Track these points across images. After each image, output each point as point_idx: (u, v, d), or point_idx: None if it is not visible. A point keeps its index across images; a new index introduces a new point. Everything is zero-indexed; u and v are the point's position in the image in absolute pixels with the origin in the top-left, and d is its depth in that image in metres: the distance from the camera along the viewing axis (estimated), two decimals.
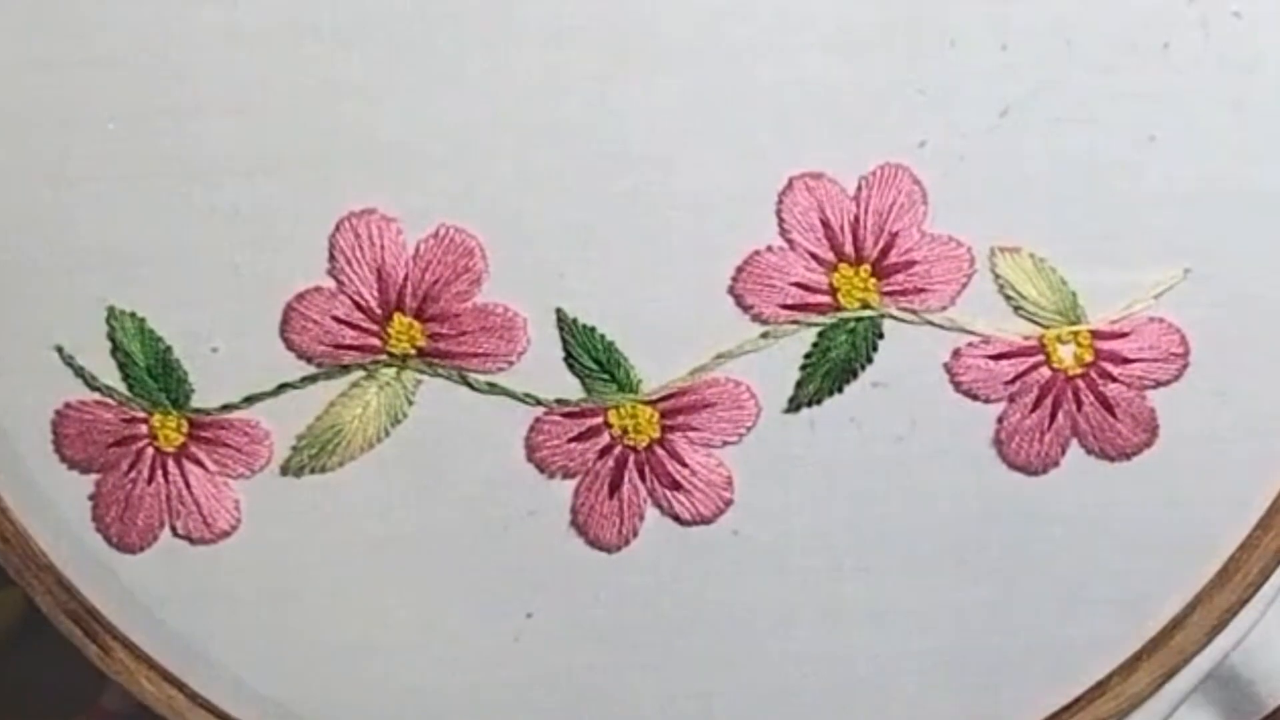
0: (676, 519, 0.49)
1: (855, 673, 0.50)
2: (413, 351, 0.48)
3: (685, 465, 0.48)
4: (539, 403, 0.48)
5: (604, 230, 0.47)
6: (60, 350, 0.48)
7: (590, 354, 0.48)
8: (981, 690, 0.50)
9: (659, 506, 0.49)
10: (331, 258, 0.47)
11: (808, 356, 0.48)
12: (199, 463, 0.49)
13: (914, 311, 0.47)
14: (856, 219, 0.47)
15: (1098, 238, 0.47)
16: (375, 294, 0.47)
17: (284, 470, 0.49)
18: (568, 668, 0.50)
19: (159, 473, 0.49)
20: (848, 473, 0.48)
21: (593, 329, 0.48)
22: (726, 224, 0.47)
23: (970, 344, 0.48)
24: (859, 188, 0.47)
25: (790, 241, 0.47)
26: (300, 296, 0.47)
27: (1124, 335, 0.48)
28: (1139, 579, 0.49)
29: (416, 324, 0.48)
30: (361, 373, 0.48)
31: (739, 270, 0.47)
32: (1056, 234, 0.47)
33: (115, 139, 0.47)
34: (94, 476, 0.49)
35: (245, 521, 0.49)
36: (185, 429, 0.48)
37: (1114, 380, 0.48)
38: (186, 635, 0.50)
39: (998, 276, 0.47)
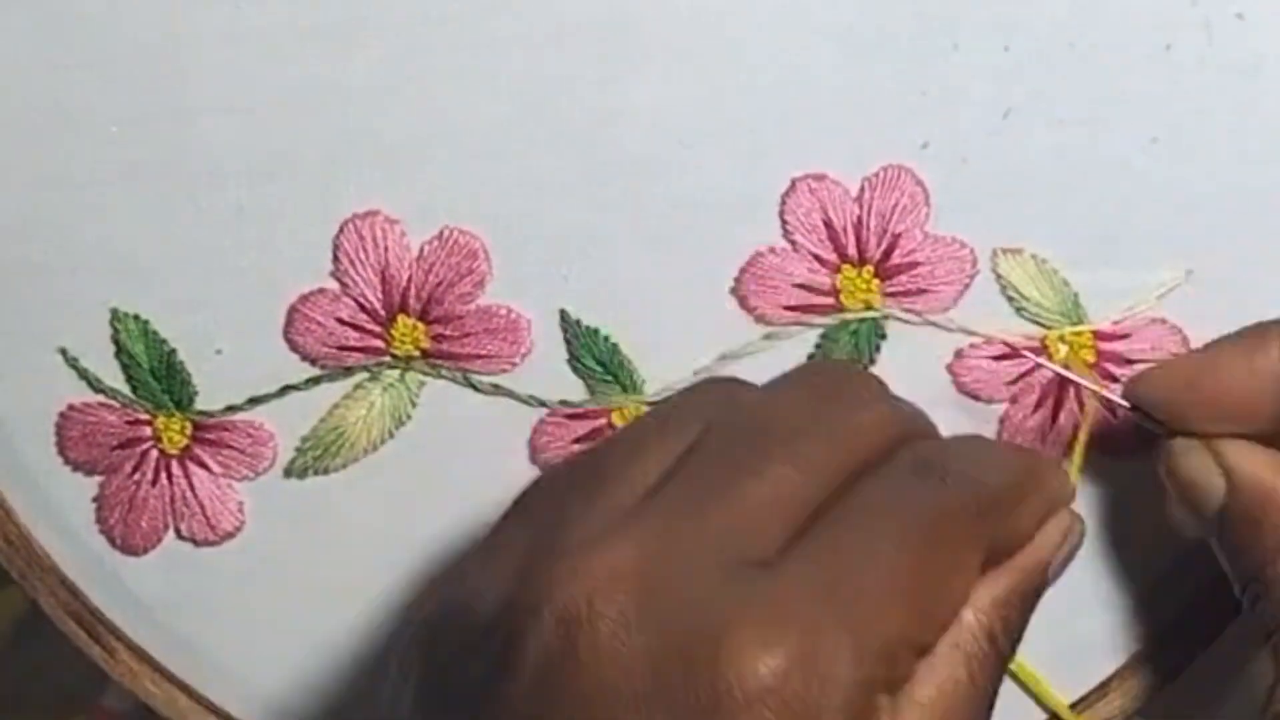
0: None
1: None
2: (416, 353, 0.48)
3: None
4: (543, 404, 0.48)
5: (607, 231, 0.47)
6: (64, 352, 0.48)
7: (594, 355, 0.48)
8: None
9: None
10: (335, 259, 0.47)
11: (811, 357, 0.48)
12: (203, 464, 0.49)
13: (916, 312, 0.48)
14: (859, 220, 0.47)
15: (1100, 239, 0.47)
16: (379, 296, 0.47)
17: (288, 472, 0.49)
18: None
19: (163, 474, 0.49)
20: None
21: (596, 330, 0.48)
22: (730, 225, 0.47)
23: (973, 344, 0.48)
24: (862, 189, 0.47)
25: (793, 242, 0.47)
26: (304, 298, 0.47)
27: (1126, 336, 0.48)
28: (1139, 580, 0.49)
29: (420, 325, 0.48)
30: (365, 374, 0.48)
31: (742, 271, 0.47)
32: (1059, 235, 0.47)
33: (119, 141, 0.47)
34: (98, 478, 0.49)
35: (249, 523, 0.49)
36: (189, 431, 0.48)
37: (1116, 381, 0.48)
38: (190, 637, 0.50)
39: (1000, 277, 0.47)
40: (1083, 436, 0.47)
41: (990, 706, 0.40)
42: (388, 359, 0.48)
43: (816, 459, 0.39)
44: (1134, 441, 0.48)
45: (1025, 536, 0.42)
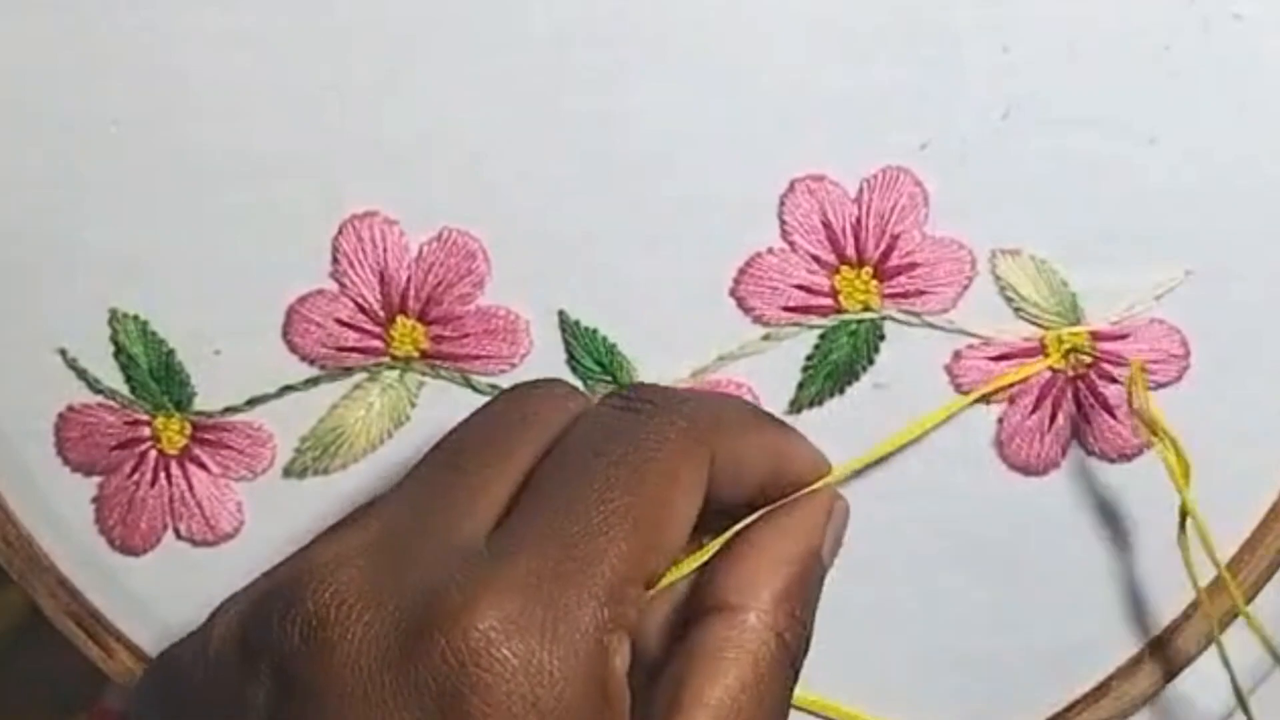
0: None
1: (856, 673, 0.50)
2: (415, 354, 0.48)
3: None
4: None
5: (606, 232, 0.47)
6: (63, 353, 0.48)
7: (592, 356, 0.48)
8: (982, 690, 0.50)
9: None
10: (334, 260, 0.47)
11: (809, 358, 0.48)
12: (202, 465, 0.49)
13: (915, 313, 0.48)
14: (858, 221, 0.47)
15: (1098, 239, 0.47)
16: (378, 296, 0.47)
17: (287, 472, 0.49)
18: None
19: (162, 475, 0.49)
20: None
21: (594, 331, 0.48)
22: (728, 226, 0.47)
23: (971, 345, 0.48)
24: (861, 190, 0.47)
25: (792, 243, 0.47)
26: (303, 299, 0.47)
27: (1124, 336, 0.48)
28: (1139, 580, 0.49)
29: (419, 326, 0.48)
30: (364, 375, 0.48)
31: (740, 272, 0.47)
32: (1057, 235, 0.47)
33: (117, 141, 0.47)
34: (97, 479, 0.49)
35: (248, 523, 0.49)
36: (188, 431, 0.49)
37: (1114, 381, 0.48)
38: None
39: (998, 278, 0.47)
40: None
41: (786, 706, 0.41)
42: (387, 359, 0.48)
43: (508, 444, 0.41)
44: (1134, 442, 0.48)
45: (757, 462, 0.42)
